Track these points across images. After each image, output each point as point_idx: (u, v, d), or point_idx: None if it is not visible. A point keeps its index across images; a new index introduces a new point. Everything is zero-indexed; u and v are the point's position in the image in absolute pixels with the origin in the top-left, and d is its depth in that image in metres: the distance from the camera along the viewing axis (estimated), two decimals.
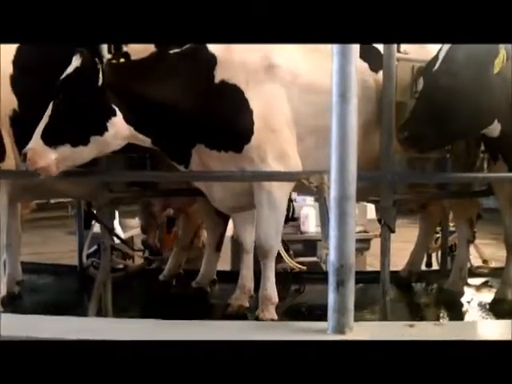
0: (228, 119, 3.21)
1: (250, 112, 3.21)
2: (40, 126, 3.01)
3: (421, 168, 3.55)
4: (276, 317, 3.45)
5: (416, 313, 4.05)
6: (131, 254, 5.23)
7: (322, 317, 3.84)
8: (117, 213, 7.65)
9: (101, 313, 3.54)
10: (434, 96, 3.21)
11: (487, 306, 3.97)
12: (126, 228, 8.02)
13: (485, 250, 5.14)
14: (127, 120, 3.07)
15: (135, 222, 8.29)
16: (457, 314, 3.94)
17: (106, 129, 3.03)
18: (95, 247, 5.11)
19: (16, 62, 3.52)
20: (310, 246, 7.59)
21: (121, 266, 5.08)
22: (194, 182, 3.54)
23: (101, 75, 2.97)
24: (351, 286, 2.33)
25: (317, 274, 5.03)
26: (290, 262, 4.72)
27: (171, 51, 3.25)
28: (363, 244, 7.06)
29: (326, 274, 4.79)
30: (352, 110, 2.31)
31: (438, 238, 4.92)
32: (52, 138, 2.98)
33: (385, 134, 3.42)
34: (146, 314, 3.80)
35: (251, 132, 3.22)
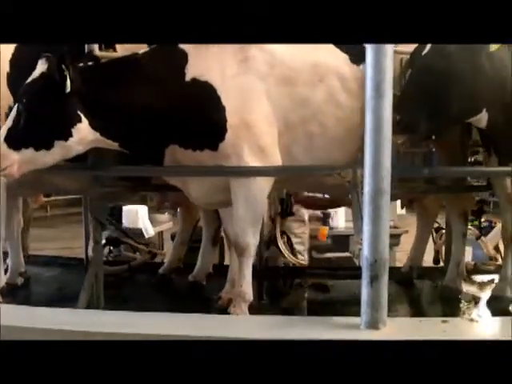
0: (199, 117, 3.16)
1: (223, 109, 3.14)
2: (3, 129, 3.03)
3: (409, 162, 3.51)
4: (247, 314, 3.37)
5: (410, 309, 4.01)
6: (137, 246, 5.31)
7: (318, 312, 3.94)
8: (147, 208, 7.89)
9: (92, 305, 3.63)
10: (423, 79, 3.14)
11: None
12: (156, 223, 8.19)
13: None
14: (93, 126, 3.05)
15: (165, 217, 8.48)
16: (452, 310, 3.85)
17: (70, 134, 3.01)
18: (103, 241, 5.23)
19: (13, 60, 3.63)
20: (340, 241, 7.58)
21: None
22: (170, 179, 3.50)
23: (68, 81, 2.94)
24: (385, 281, 2.36)
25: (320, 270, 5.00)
26: (289, 257, 4.73)
27: (140, 51, 3.23)
28: (393, 239, 7.01)
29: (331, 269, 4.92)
30: (386, 104, 2.34)
31: (443, 234, 4.83)
32: (15, 142, 2.99)
33: None
34: (139, 307, 3.88)
35: (224, 129, 3.15)
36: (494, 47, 3.09)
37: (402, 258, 7.20)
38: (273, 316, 3.09)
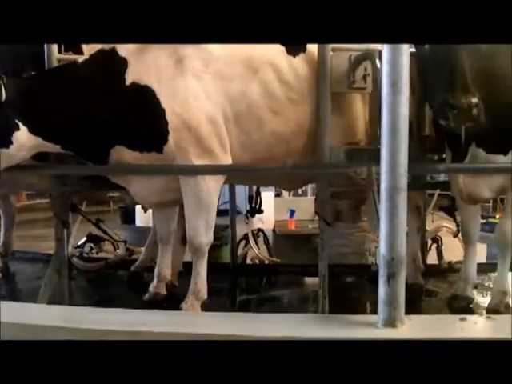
0: (141, 121, 3.23)
1: (163, 111, 3.19)
2: None
3: (358, 159, 3.48)
4: (199, 311, 3.39)
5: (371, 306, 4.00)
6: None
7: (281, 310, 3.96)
8: None
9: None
10: None
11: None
12: None
13: None
14: (34, 132, 3.17)
15: None
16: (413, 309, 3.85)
17: (10, 142, 3.13)
18: (84, 238, 5.38)
19: None
20: None
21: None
22: (112, 178, 3.56)
23: (3, 92, 3.05)
24: (402, 279, 2.34)
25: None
26: (260, 254, 4.76)
27: (80, 59, 3.34)
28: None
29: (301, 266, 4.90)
30: (403, 100, 2.32)
31: None
32: None
33: (322, 125, 3.42)
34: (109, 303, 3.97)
35: (166, 132, 3.20)
36: None
37: None
38: (288, 314, 3.01)
